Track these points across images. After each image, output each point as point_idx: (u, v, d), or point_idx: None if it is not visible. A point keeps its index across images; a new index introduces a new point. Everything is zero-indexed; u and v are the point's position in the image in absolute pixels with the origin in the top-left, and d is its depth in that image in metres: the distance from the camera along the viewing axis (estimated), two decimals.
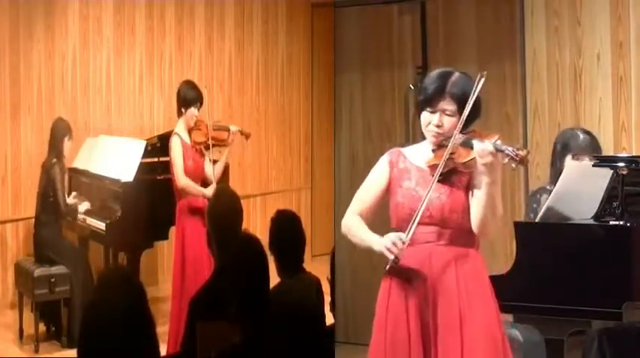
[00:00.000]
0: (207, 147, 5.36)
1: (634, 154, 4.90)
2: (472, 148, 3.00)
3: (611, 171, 3.63)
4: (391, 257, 2.95)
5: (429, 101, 3.09)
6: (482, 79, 3.02)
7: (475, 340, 2.99)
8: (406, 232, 2.99)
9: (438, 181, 3.04)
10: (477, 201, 3.03)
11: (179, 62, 7.09)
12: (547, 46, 5.35)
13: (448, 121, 3.08)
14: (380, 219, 3.24)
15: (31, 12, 6.24)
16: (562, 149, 4.12)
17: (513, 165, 2.95)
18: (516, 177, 5.44)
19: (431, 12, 5.81)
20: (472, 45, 5.65)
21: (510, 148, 2.94)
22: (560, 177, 3.78)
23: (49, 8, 6.35)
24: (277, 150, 7.97)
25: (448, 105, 3.07)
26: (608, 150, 4.97)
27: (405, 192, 3.12)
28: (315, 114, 8.24)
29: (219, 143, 5.45)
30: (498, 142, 2.95)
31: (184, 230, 5.19)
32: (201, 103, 5.35)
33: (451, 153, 3.03)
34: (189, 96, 5.32)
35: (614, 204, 3.64)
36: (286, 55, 7.99)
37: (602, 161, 3.73)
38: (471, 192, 3.08)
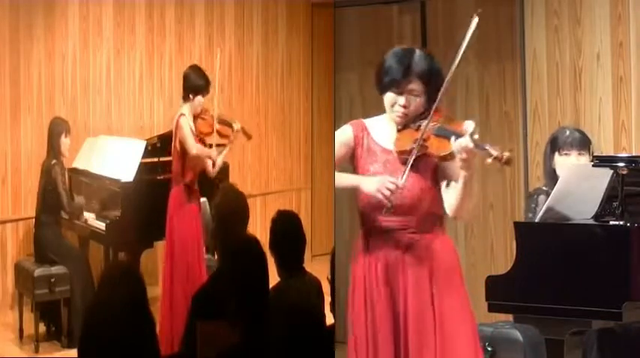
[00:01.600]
0: (211, 146, 5.36)
1: (634, 154, 4.90)
2: (447, 138, 2.91)
3: (611, 171, 3.63)
4: (388, 204, 2.92)
5: (396, 82, 3.04)
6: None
7: (451, 333, 2.99)
8: (399, 176, 2.94)
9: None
10: (454, 191, 2.97)
11: (179, 62, 7.08)
12: (547, 46, 5.35)
13: (414, 101, 3.05)
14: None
15: (31, 12, 6.23)
16: (551, 146, 4.10)
17: (498, 166, 2.88)
18: (516, 177, 5.44)
19: (431, 12, 5.81)
20: (472, 45, 5.64)
21: (492, 148, 2.82)
22: (560, 178, 3.78)
23: (49, 8, 6.35)
24: (277, 151, 7.97)
25: (415, 85, 3.04)
26: (608, 150, 4.98)
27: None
28: (315, 114, 8.23)
29: (222, 138, 5.44)
30: (476, 137, 2.83)
31: (175, 221, 5.18)
32: (208, 91, 5.33)
33: (423, 140, 2.97)
34: (198, 84, 5.26)
35: (614, 204, 3.64)
36: (286, 55, 7.99)
37: (602, 161, 3.73)
38: (443, 181, 3.03)
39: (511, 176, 5.45)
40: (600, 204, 3.66)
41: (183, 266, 5.12)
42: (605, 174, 3.65)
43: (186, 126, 5.19)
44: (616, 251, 3.45)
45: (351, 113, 6.10)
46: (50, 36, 6.37)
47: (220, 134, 5.40)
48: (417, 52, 3.08)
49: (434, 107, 3.01)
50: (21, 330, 5.67)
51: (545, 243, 3.58)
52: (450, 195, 3.00)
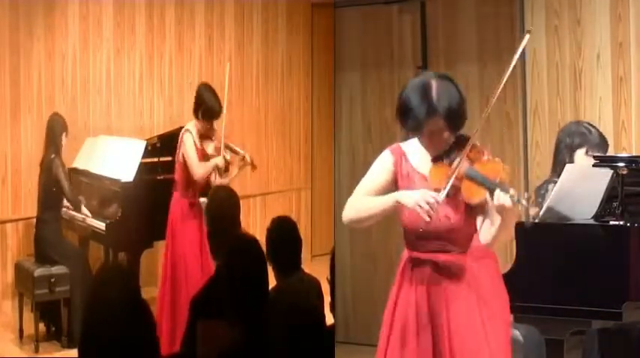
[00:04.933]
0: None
1: (634, 154, 4.90)
2: (480, 185, 2.87)
3: (611, 171, 3.64)
4: (427, 219, 2.85)
5: (419, 124, 2.92)
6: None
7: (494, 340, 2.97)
8: (441, 192, 2.88)
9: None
10: (491, 228, 2.91)
11: (179, 62, 7.08)
12: (547, 46, 5.35)
13: (440, 138, 2.95)
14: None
15: (31, 12, 6.23)
16: (572, 143, 4.08)
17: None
18: (516, 177, 5.44)
19: (431, 12, 5.81)
20: (472, 45, 5.66)
21: (524, 200, 2.81)
22: (560, 178, 3.78)
23: (49, 8, 6.34)
24: (277, 151, 7.97)
25: (439, 123, 2.91)
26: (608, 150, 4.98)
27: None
28: (315, 114, 8.23)
29: (226, 164, 5.37)
30: (516, 196, 2.81)
31: (175, 229, 5.17)
32: (219, 117, 5.26)
33: (456, 179, 2.90)
34: (214, 110, 5.19)
35: (614, 204, 3.64)
36: (286, 55, 7.99)
37: (602, 161, 3.73)
38: (481, 216, 2.97)
39: (511, 176, 5.44)
40: (600, 204, 3.66)
41: (182, 272, 5.11)
42: (605, 174, 3.66)
43: (190, 144, 5.14)
44: (616, 251, 3.45)
45: (351, 113, 6.11)
46: (50, 36, 6.37)
47: (225, 160, 5.32)
48: (434, 84, 2.92)
49: (465, 149, 2.93)
50: (21, 330, 5.67)
51: (545, 243, 3.59)
52: (486, 230, 2.94)
